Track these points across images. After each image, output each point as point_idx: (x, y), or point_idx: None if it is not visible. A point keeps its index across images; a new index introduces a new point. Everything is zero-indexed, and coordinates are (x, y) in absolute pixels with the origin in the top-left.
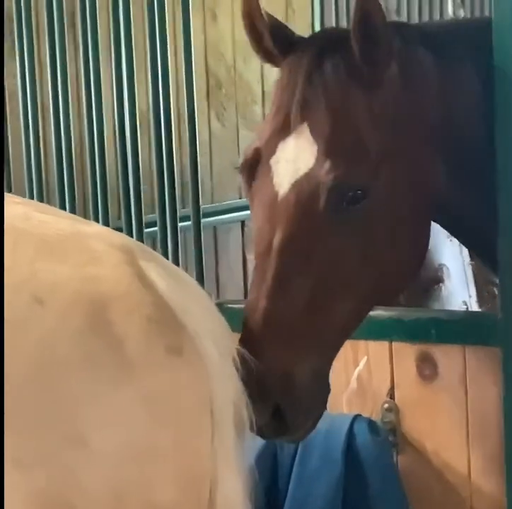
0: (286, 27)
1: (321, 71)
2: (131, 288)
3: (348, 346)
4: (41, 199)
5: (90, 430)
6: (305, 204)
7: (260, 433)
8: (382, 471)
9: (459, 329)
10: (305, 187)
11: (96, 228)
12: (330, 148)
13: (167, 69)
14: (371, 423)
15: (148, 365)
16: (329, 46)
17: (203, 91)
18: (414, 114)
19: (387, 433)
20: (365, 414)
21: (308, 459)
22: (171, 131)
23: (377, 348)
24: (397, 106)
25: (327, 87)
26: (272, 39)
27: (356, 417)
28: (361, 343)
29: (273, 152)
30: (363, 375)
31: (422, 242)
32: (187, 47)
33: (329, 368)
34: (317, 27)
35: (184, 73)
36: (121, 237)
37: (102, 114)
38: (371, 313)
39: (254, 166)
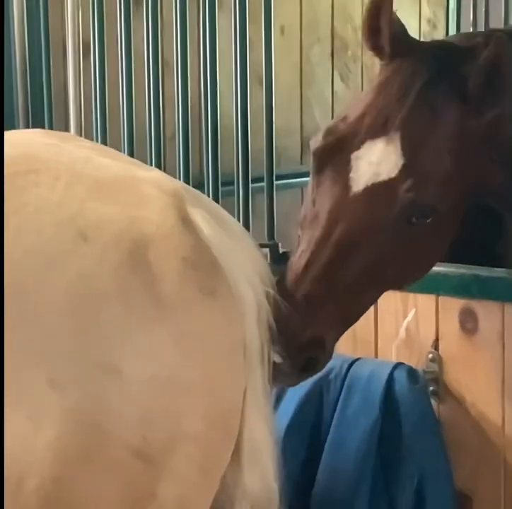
0: (406, 30)
1: (435, 92)
2: (173, 230)
3: (398, 298)
4: (158, 150)
5: (123, 360)
6: (376, 210)
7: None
8: (418, 417)
9: (498, 287)
10: (380, 194)
11: (152, 174)
12: (415, 167)
13: None
14: (411, 371)
15: (180, 304)
16: (448, 65)
17: (327, 52)
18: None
19: (426, 382)
20: (412, 363)
21: (350, 402)
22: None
23: (425, 301)
24: (486, 138)
25: (434, 110)
26: (390, 37)
27: (398, 365)
28: (411, 296)
29: (358, 147)
30: (411, 326)
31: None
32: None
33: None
34: None
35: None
36: (174, 183)
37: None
38: None
39: (333, 151)
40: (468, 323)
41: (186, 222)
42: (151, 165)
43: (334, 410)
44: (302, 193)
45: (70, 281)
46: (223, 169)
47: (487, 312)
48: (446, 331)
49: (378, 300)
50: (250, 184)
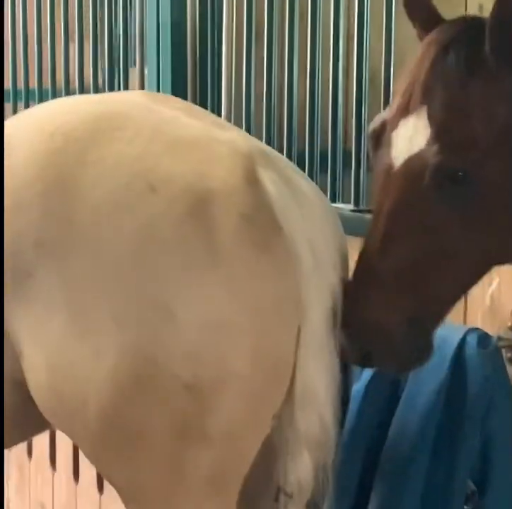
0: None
1: (445, 59)
2: (237, 188)
3: None
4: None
5: (177, 303)
6: (412, 180)
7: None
8: (484, 380)
9: None
10: (414, 165)
11: (231, 134)
12: (440, 133)
13: None
14: (482, 336)
15: (233, 254)
16: (460, 35)
17: None
18: None
19: (498, 347)
20: (493, 330)
21: None
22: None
23: (507, 273)
24: None
25: (448, 75)
26: (421, 16)
27: (471, 330)
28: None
29: (396, 126)
30: (494, 295)
31: None
32: None
33: (434, 326)
34: None
35: None
36: (250, 144)
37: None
38: None
39: (381, 136)
40: None
41: (251, 181)
42: None
43: None
44: None
45: (136, 227)
46: None
47: None
48: None
49: None
50: None
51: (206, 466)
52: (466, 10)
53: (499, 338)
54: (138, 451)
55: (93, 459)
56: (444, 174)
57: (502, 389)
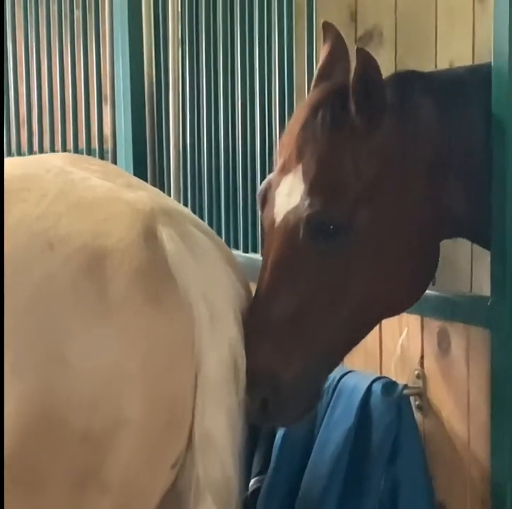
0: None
1: (315, 119)
2: (132, 244)
3: (395, 317)
4: None
5: (71, 351)
6: (289, 234)
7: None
8: (386, 427)
9: (462, 310)
10: (291, 219)
11: (137, 194)
12: (312, 188)
13: None
14: (387, 384)
15: (125, 305)
16: (330, 95)
17: None
18: (408, 155)
19: (402, 395)
20: (404, 379)
21: (335, 409)
22: None
23: (413, 321)
24: (387, 151)
25: (316, 134)
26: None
27: (377, 378)
28: (404, 315)
29: (277, 185)
30: (404, 344)
31: (419, 276)
32: None
33: (326, 374)
34: None
35: None
36: (154, 203)
37: None
38: None
39: (267, 194)
40: (443, 343)
41: (148, 237)
42: None
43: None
44: None
45: (35, 282)
46: None
47: (456, 332)
48: (429, 349)
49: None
50: None
51: None
52: (436, 66)
53: (406, 386)
54: (40, 497)
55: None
56: (315, 227)
57: (409, 435)
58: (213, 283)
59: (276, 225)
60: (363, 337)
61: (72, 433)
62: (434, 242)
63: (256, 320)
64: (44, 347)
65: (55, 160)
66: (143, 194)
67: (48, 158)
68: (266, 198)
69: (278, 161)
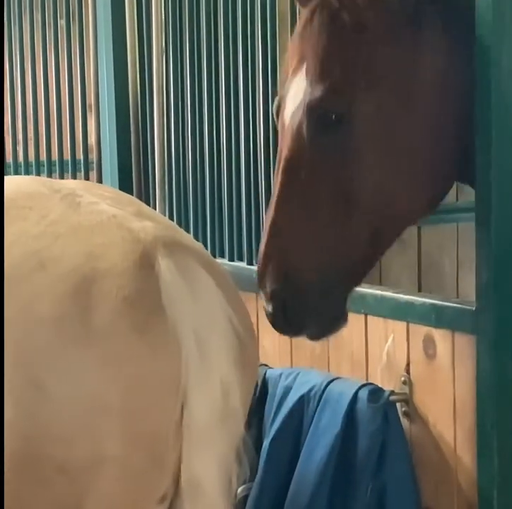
0: None
1: (312, 21)
2: (125, 272)
3: (381, 323)
4: None
5: (49, 378)
6: (296, 129)
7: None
8: (371, 434)
9: (448, 316)
10: (297, 115)
11: (144, 224)
12: (313, 80)
13: None
14: (373, 391)
15: (109, 334)
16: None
17: None
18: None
19: (388, 401)
20: (390, 385)
21: (322, 417)
22: None
23: (399, 328)
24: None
25: (314, 32)
26: None
27: (364, 385)
28: (389, 322)
29: (287, 92)
30: (390, 351)
31: (430, 175)
32: None
33: (347, 284)
34: None
35: None
36: (158, 234)
37: None
38: (393, 294)
39: (280, 105)
40: (429, 349)
41: (144, 266)
42: None
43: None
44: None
45: (22, 301)
46: None
47: (441, 338)
48: (414, 356)
49: (367, 326)
50: None
51: None
52: None
53: (393, 393)
54: None
55: None
56: (317, 118)
57: (395, 441)
58: (208, 321)
59: (286, 127)
60: (383, 252)
61: (51, 464)
62: (447, 152)
63: (269, 224)
64: (22, 370)
65: (70, 184)
66: (150, 224)
67: (66, 181)
68: (280, 108)
69: (286, 69)
